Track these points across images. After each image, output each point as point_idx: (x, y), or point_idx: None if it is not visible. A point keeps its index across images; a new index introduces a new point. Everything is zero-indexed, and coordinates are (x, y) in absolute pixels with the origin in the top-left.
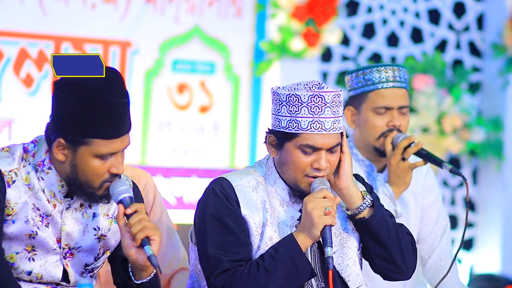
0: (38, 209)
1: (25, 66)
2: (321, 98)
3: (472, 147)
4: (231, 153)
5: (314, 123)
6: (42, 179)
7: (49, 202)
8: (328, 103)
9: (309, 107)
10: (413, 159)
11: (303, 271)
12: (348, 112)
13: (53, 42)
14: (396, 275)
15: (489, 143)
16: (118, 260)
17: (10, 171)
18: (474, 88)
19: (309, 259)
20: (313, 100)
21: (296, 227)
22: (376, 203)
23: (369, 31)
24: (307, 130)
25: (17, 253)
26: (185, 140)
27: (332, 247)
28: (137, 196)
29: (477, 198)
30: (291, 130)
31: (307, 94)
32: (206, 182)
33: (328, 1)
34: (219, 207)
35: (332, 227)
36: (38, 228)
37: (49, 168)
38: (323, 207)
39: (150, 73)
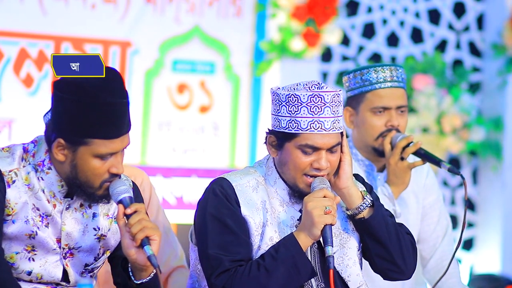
0: (38, 209)
1: (25, 66)
2: (321, 98)
3: (472, 147)
4: (231, 153)
5: (313, 123)
6: (42, 179)
7: (49, 202)
8: (327, 102)
9: (309, 107)
10: (412, 158)
11: (304, 271)
12: (346, 112)
13: (53, 42)
14: (396, 275)
15: (489, 143)
16: (118, 260)
17: (10, 171)
18: (474, 88)
19: (309, 259)
20: (313, 100)
21: (296, 227)
22: (376, 203)
23: (369, 31)
24: (307, 130)
25: (17, 253)
26: (185, 140)
27: (333, 246)
28: (137, 196)
29: (477, 198)
30: (291, 130)
31: (306, 94)
32: (206, 182)
33: (328, 1)
34: (219, 207)
35: (332, 227)
36: (38, 228)
37: (49, 168)
38: (323, 206)
39: (150, 73)
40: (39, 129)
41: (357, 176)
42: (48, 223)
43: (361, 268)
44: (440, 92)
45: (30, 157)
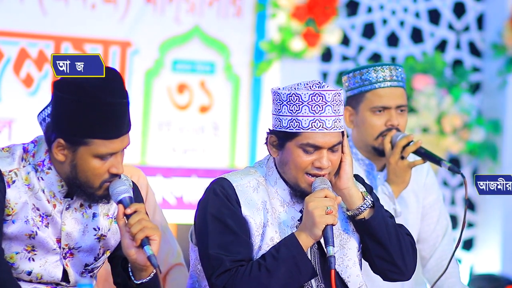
0: (38, 209)
1: (25, 66)
2: (322, 96)
3: (472, 147)
4: (231, 153)
5: (315, 122)
6: (42, 179)
7: (49, 202)
8: (328, 101)
9: (310, 106)
10: (412, 157)
11: (305, 271)
12: (346, 112)
13: (53, 42)
14: (396, 275)
15: (486, 145)
16: (118, 260)
17: (10, 171)
18: (474, 88)
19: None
20: (314, 99)
21: (296, 228)
22: (376, 204)
23: (369, 31)
24: (308, 129)
25: (17, 253)
26: (185, 140)
27: (334, 246)
28: (137, 196)
29: (477, 198)
30: (292, 129)
31: (307, 93)
32: (206, 182)
33: (328, 1)
34: (219, 207)
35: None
36: (38, 228)
37: (49, 168)
38: (325, 206)
39: (150, 73)
40: (39, 129)
41: (357, 177)
42: (48, 223)
43: (361, 269)
44: (440, 92)
45: (30, 157)
